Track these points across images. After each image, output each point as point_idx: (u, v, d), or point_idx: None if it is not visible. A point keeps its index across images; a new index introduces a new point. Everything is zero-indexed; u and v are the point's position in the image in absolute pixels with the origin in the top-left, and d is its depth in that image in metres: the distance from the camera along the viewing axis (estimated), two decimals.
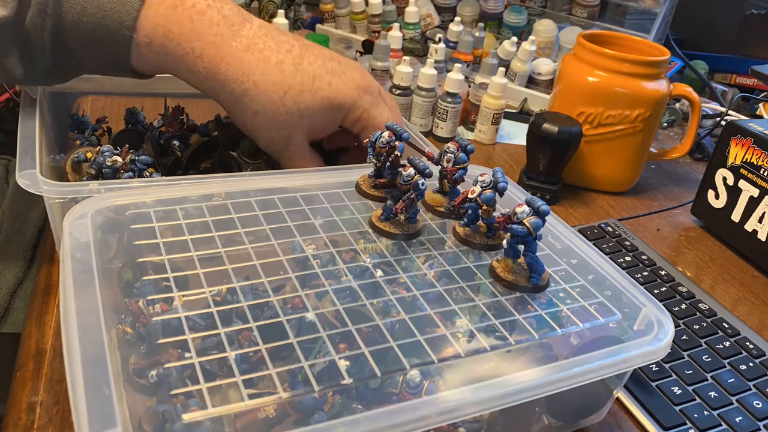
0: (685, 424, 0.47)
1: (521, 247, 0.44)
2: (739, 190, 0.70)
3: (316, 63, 0.52)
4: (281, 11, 0.96)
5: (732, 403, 0.49)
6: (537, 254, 0.43)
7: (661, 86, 0.76)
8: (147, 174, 0.54)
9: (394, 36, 0.96)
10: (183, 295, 0.38)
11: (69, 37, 0.47)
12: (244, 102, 0.50)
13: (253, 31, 0.50)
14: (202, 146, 0.58)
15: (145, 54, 0.48)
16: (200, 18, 0.48)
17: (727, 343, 0.55)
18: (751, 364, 0.53)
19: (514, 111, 1.00)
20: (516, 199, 0.52)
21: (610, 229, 0.71)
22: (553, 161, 0.74)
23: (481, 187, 0.45)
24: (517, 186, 0.54)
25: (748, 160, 0.69)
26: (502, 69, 0.86)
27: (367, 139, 0.49)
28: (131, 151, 0.55)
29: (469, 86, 0.91)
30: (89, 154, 0.54)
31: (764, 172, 0.67)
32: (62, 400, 0.42)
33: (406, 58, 0.85)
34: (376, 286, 0.42)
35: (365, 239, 0.46)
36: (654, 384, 0.50)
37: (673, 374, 0.52)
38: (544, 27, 1.09)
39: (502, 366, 0.38)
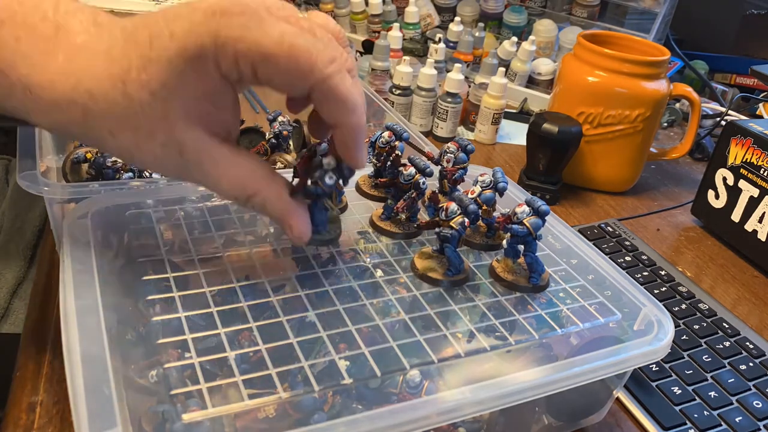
0: (685, 424, 0.47)
1: (521, 247, 0.44)
2: (739, 190, 0.70)
3: (148, 19, 0.34)
4: None
5: (732, 403, 0.49)
6: (537, 254, 0.43)
7: (661, 86, 0.76)
8: (147, 174, 0.54)
9: (394, 36, 0.96)
10: (183, 295, 0.38)
11: None
12: (91, 125, 0.34)
13: (48, 27, 0.34)
14: None
15: None
16: None
17: (727, 343, 0.55)
18: (751, 364, 0.53)
19: (514, 111, 1.00)
20: (516, 199, 0.52)
21: (610, 229, 0.71)
22: (553, 161, 0.74)
23: (481, 187, 0.45)
24: (517, 186, 0.54)
25: (748, 160, 0.69)
26: (502, 69, 0.86)
27: (367, 140, 0.49)
28: None
29: (469, 86, 0.91)
30: (89, 155, 0.54)
31: (764, 172, 0.67)
32: (62, 400, 0.42)
33: (406, 58, 0.85)
34: (376, 286, 0.42)
35: (365, 239, 0.46)
36: (654, 384, 0.50)
37: (673, 374, 0.52)
38: (544, 27, 1.09)
39: (502, 366, 0.38)
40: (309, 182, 0.41)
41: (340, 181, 0.41)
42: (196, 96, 0.34)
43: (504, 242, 0.44)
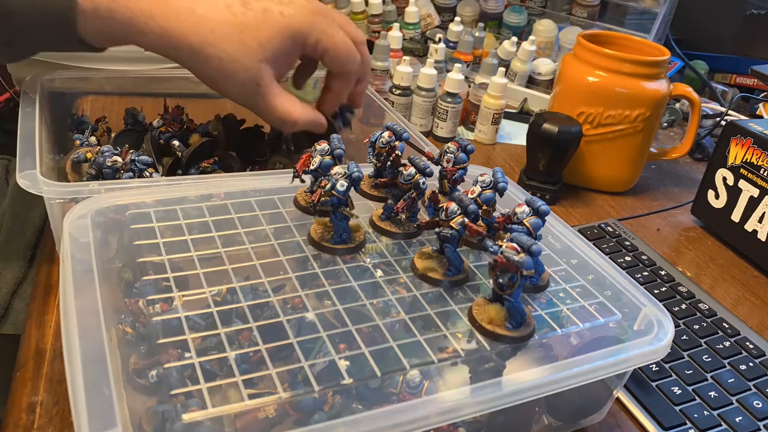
0: (685, 424, 0.47)
1: None
2: (739, 190, 0.70)
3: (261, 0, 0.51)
4: None
5: (732, 403, 0.49)
6: None
7: (661, 86, 0.76)
8: (147, 174, 0.54)
9: (394, 36, 0.96)
10: (183, 295, 0.38)
11: (13, 8, 0.46)
12: (205, 51, 0.49)
13: None
14: (202, 146, 0.58)
15: (91, 21, 0.47)
16: None
17: (727, 343, 0.55)
18: (751, 364, 0.53)
19: (514, 111, 1.00)
20: (516, 199, 0.52)
21: (610, 229, 0.71)
22: (553, 161, 0.74)
23: (481, 187, 0.45)
24: (517, 186, 0.54)
25: (748, 160, 0.69)
26: (502, 69, 0.86)
27: (367, 140, 0.49)
28: (131, 151, 0.55)
29: (469, 86, 0.91)
30: (89, 154, 0.54)
31: (764, 172, 0.67)
32: (62, 400, 0.42)
33: (406, 58, 0.85)
34: (376, 286, 0.42)
35: (365, 239, 0.46)
36: (654, 384, 0.50)
37: (673, 374, 0.52)
38: (544, 27, 1.09)
39: (501, 366, 0.38)
40: (321, 195, 0.42)
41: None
42: (282, 54, 0.51)
43: (504, 242, 0.44)
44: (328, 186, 0.42)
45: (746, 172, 0.69)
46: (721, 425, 0.47)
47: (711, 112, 1.04)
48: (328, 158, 0.44)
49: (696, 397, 0.50)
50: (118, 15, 0.47)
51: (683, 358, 0.53)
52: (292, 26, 0.51)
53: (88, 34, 0.48)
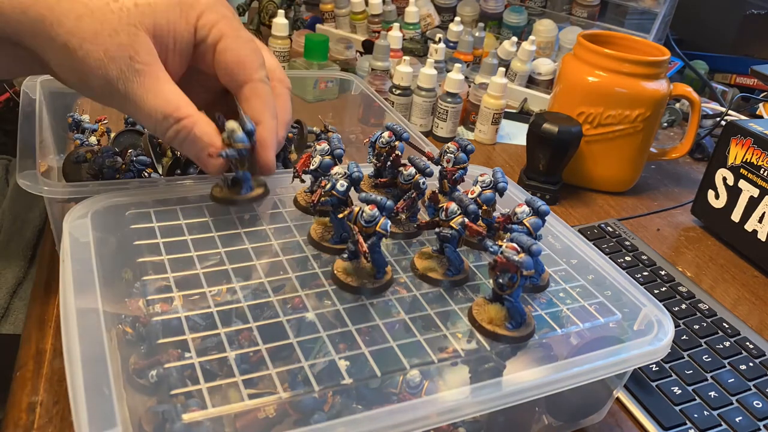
0: (685, 424, 0.47)
1: None
2: (739, 190, 0.70)
3: None
4: (281, 11, 0.96)
5: (732, 403, 0.49)
6: None
7: (661, 86, 0.76)
8: (146, 174, 0.54)
9: (394, 36, 0.96)
10: (183, 295, 0.38)
11: None
12: (61, 5, 0.35)
13: None
14: None
15: None
16: None
17: (727, 343, 0.55)
18: (751, 364, 0.53)
19: (514, 111, 1.00)
20: (516, 199, 0.52)
21: (610, 229, 0.71)
22: (553, 161, 0.74)
23: (481, 187, 0.45)
24: (517, 186, 0.54)
25: (748, 160, 0.69)
26: (502, 69, 0.86)
27: (367, 140, 0.49)
28: (130, 151, 0.55)
29: (469, 86, 0.91)
30: (89, 155, 0.54)
31: (764, 172, 0.67)
32: (62, 400, 0.42)
33: (406, 58, 0.85)
34: None
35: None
36: (654, 384, 0.50)
37: (673, 374, 0.52)
38: (544, 27, 1.09)
39: (501, 366, 0.38)
40: (321, 195, 0.41)
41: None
42: (168, 26, 0.38)
43: (504, 242, 0.44)
44: (328, 186, 0.42)
45: (746, 172, 0.69)
46: (721, 425, 0.47)
47: (711, 112, 1.04)
48: (328, 158, 0.44)
49: (696, 397, 0.50)
50: None
51: (683, 358, 0.53)
52: None
53: None
